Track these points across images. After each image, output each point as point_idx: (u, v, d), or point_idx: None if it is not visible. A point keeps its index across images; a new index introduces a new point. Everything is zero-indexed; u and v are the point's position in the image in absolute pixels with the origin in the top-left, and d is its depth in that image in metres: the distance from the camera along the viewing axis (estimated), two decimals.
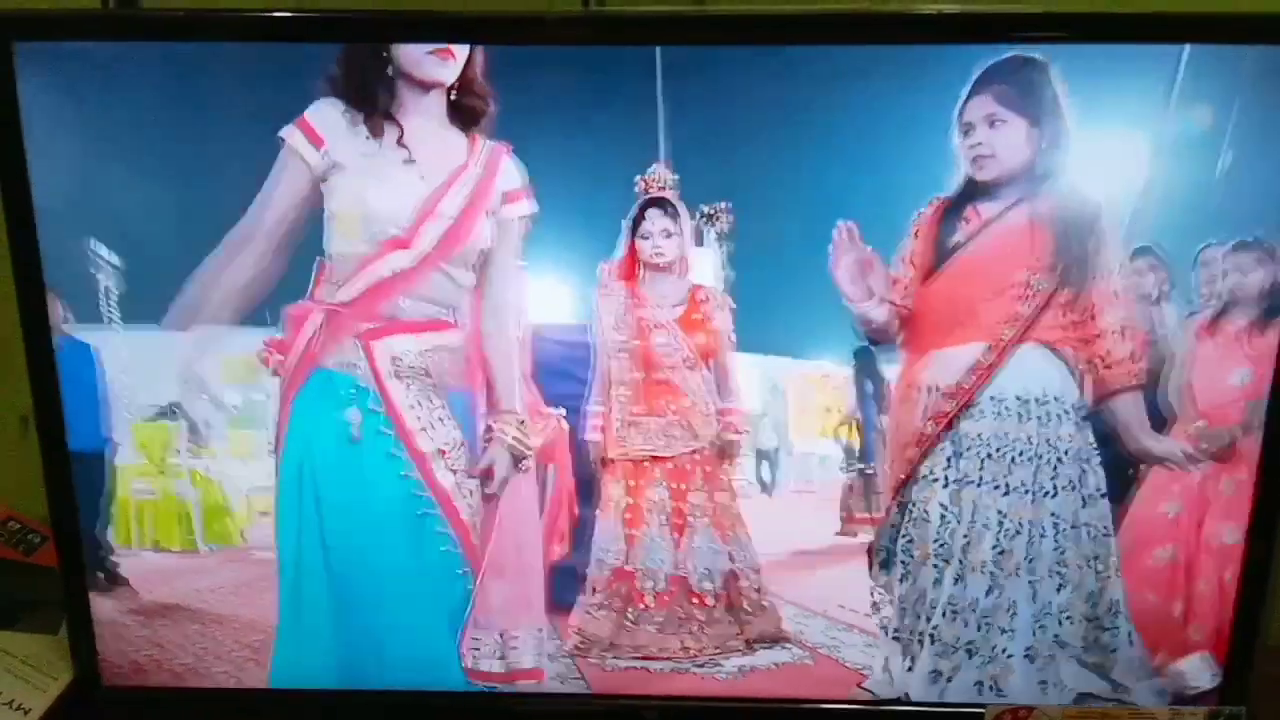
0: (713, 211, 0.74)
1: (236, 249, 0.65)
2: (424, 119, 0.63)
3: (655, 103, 0.70)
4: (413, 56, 0.64)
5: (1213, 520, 0.68)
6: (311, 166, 0.62)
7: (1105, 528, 0.62)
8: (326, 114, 0.63)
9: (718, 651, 0.83)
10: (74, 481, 0.81)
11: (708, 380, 0.82)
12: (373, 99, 0.61)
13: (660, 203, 0.77)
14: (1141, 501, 0.67)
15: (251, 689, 0.88)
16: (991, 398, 0.59)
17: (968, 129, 0.56)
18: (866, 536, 0.74)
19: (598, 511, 0.83)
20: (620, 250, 0.79)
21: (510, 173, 0.65)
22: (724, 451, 0.82)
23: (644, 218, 0.77)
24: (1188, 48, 0.67)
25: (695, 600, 0.84)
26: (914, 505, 0.61)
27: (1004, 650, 0.61)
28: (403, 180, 0.60)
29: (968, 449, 0.60)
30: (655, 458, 0.82)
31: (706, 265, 0.77)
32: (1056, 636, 0.65)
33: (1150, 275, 0.66)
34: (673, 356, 0.81)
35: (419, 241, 0.61)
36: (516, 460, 0.77)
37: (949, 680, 0.68)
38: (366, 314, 0.64)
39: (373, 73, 0.59)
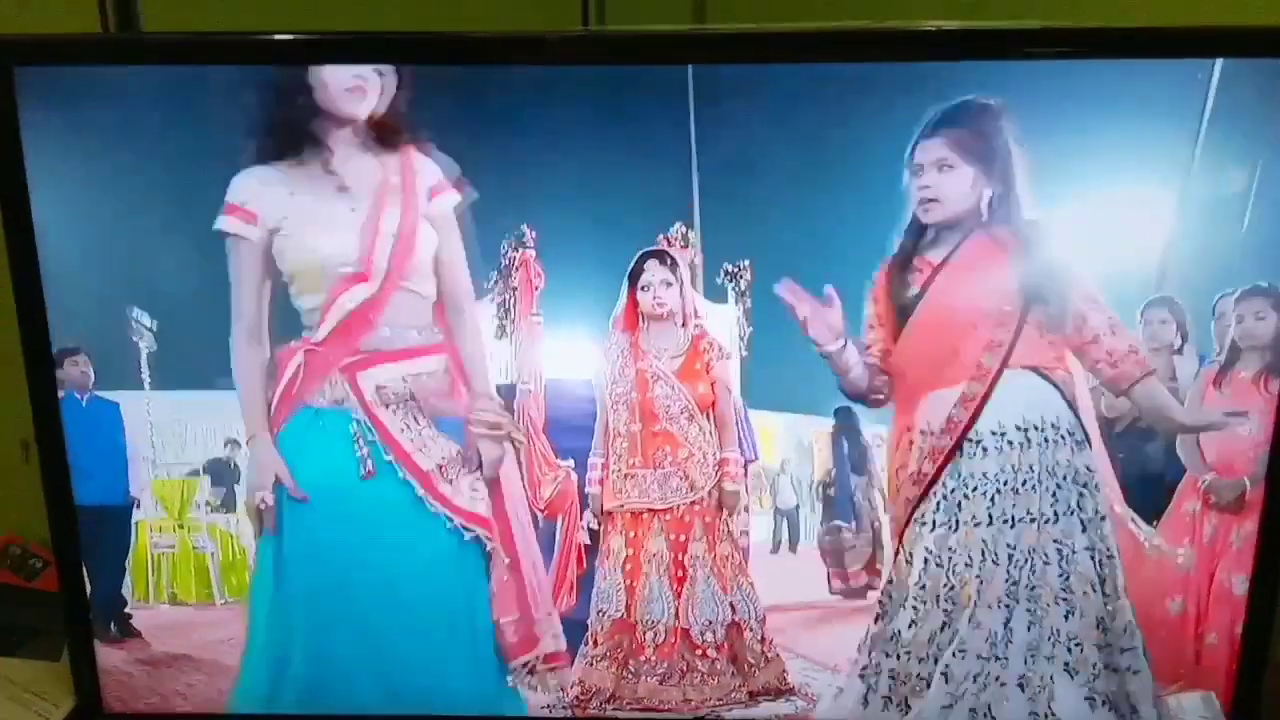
0: (735, 269, 0.76)
1: (244, 340, 0.68)
2: (346, 150, 0.64)
3: (688, 162, 0.71)
4: (331, 94, 0.64)
5: (1224, 570, 0.70)
6: (256, 242, 0.63)
7: (1108, 549, 0.63)
8: (246, 186, 0.64)
9: (720, 703, 0.83)
10: (94, 535, 0.82)
11: (706, 430, 0.82)
12: (295, 144, 0.62)
13: (659, 254, 0.78)
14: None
15: (252, 715, 0.87)
16: (992, 432, 0.60)
17: (917, 170, 0.58)
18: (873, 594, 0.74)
19: (599, 563, 0.84)
20: (621, 303, 0.80)
21: (428, 169, 0.65)
22: (723, 502, 0.82)
23: (643, 269, 0.78)
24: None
25: (698, 651, 0.84)
26: (917, 548, 0.63)
27: (999, 679, 0.62)
28: (339, 217, 0.61)
29: (971, 487, 0.61)
30: (653, 510, 0.83)
31: (727, 322, 0.78)
32: (1067, 665, 0.65)
33: (1171, 325, 0.69)
34: (671, 408, 0.82)
35: (375, 269, 0.61)
36: (502, 441, 0.76)
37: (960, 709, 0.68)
38: (346, 348, 0.65)
39: (292, 113, 0.61)
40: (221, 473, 0.80)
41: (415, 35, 0.76)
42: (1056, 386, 0.61)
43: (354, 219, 0.62)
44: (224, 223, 0.65)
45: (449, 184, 0.67)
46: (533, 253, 0.77)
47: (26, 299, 0.80)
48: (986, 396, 0.59)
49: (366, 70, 0.62)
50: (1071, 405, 0.61)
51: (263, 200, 0.61)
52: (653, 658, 0.84)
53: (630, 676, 0.84)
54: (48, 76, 0.75)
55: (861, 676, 0.68)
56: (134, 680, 0.87)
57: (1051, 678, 0.61)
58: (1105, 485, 0.61)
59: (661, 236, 0.78)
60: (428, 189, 0.64)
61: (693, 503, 0.83)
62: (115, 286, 0.78)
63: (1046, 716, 0.63)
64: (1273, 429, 0.70)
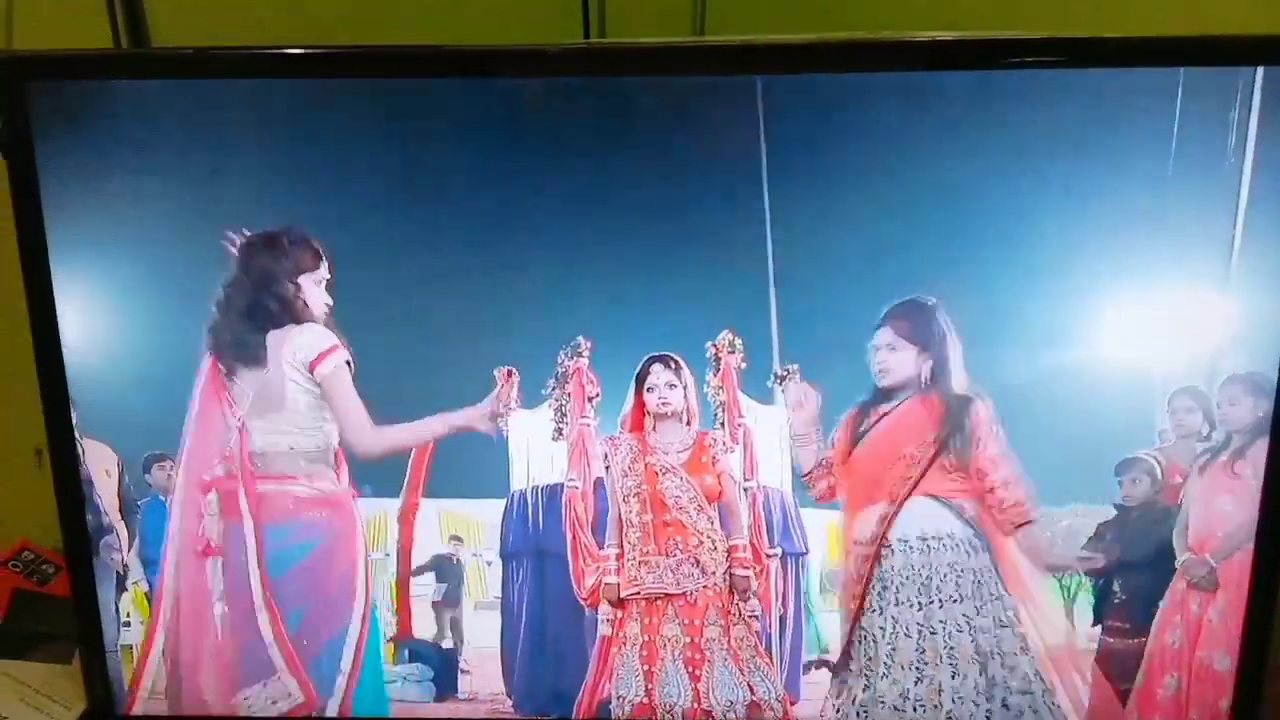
0: (784, 373, 0.81)
1: None
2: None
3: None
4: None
5: (1205, 647, 0.82)
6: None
7: (1001, 620, 0.80)
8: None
9: None
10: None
11: (714, 520, 0.86)
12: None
13: (663, 359, 0.83)
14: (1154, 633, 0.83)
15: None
16: (899, 539, 0.79)
17: (875, 350, 0.77)
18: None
19: (617, 650, 0.88)
20: (628, 404, 0.85)
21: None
22: (734, 586, 0.86)
23: (649, 372, 0.84)
24: None
25: None
26: (864, 630, 0.81)
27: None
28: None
29: (890, 581, 0.79)
30: (668, 595, 0.87)
31: (776, 423, 0.83)
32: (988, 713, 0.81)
33: (1197, 414, 0.79)
34: (681, 499, 0.86)
35: None
36: None
37: None
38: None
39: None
40: None
41: (428, 49, 0.77)
42: (951, 508, 0.78)
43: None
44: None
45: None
46: (586, 362, 0.83)
47: (38, 307, 0.82)
48: (898, 510, 0.78)
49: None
50: (969, 523, 0.79)
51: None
52: None
53: None
54: (61, 92, 0.77)
55: None
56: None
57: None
58: (1006, 576, 0.78)
59: (709, 344, 0.82)
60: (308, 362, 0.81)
61: (704, 587, 0.86)
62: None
63: None
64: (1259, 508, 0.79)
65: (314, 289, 0.81)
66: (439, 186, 0.79)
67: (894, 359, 0.76)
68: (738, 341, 0.81)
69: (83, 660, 0.91)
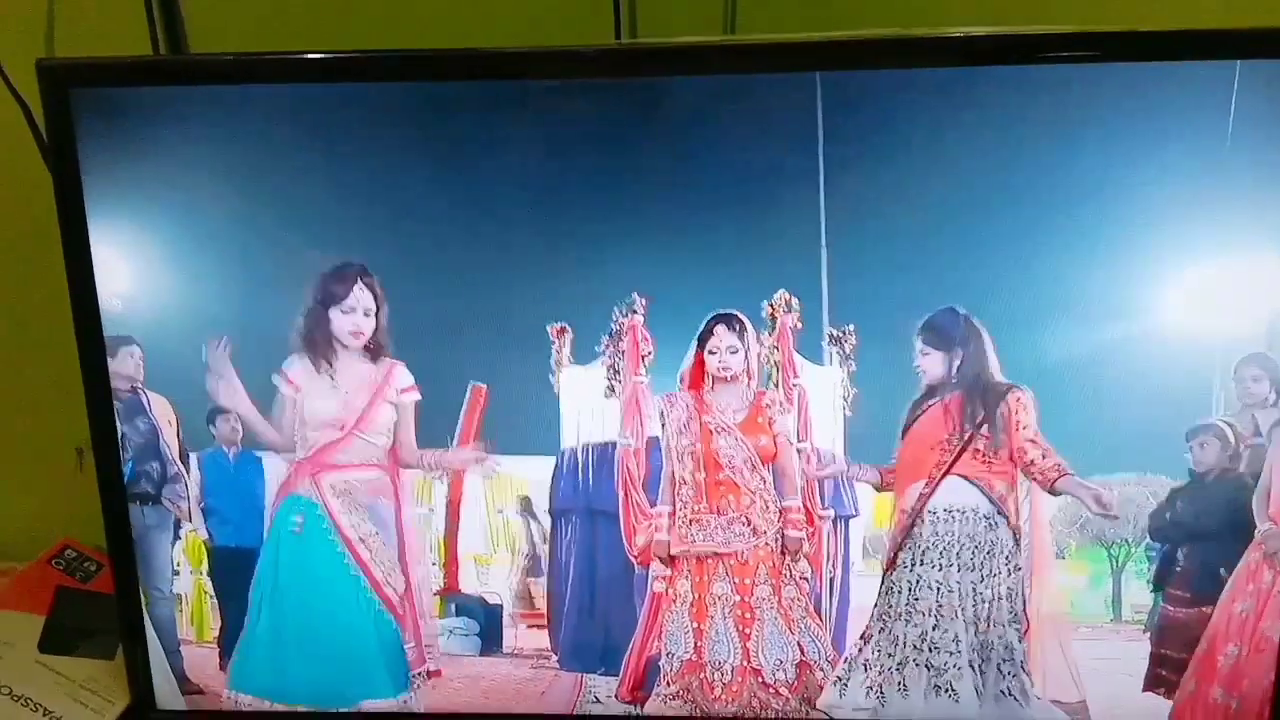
0: (840, 334, 0.82)
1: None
2: (347, 358, 0.86)
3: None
4: (340, 328, 0.85)
5: (1269, 619, 0.83)
6: (291, 395, 0.86)
7: (1009, 590, 0.85)
8: (296, 366, 0.86)
9: None
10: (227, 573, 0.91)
11: (768, 480, 0.86)
12: (319, 351, 0.86)
13: (726, 319, 0.83)
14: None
15: (302, 711, 0.91)
16: (931, 510, 0.85)
17: (916, 356, 0.82)
18: None
19: (667, 608, 0.88)
20: (689, 362, 0.85)
21: (403, 375, 0.86)
22: (786, 547, 0.86)
23: (712, 333, 0.84)
24: None
25: (770, 690, 0.87)
26: (893, 583, 0.87)
27: (955, 665, 0.86)
28: (333, 394, 0.86)
29: (919, 545, 0.86)
30: (718, 554, 0.87)
31: (829, 384, 0.84)
32: (971, 662, 0.87)
33: (1264, 381, 0.80)
34: (735, 459, 0.86)
35: (345, 424, 0.87)
36: None
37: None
38: (317, 463, 0.87)
39: (319, 334, 0.85)
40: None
41: (462, 52, 0.78)
42: (976, 485, 0.84)
43: (342, 395, 0.86)
44: (279, 381, 0.86)
45: (413, 388, 0.86)
46: (641, 319, 0.83)
47: (82, 314, 0.82)
48: (934, 491, 0.85)
49: (360, 318, 0.85)
50: (992, 500, 0.84)
51: (301, 377, 0.86)
52: (722, 697, 0.88)
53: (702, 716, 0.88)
54: (102, 99, 0.78)
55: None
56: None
57: (958, 667, 0.86)
58: (1025, 547, 0.85)
59: (765, 303, 0.82)
60: (399, 389, 0.86)
61: (755, 547, 0.86)
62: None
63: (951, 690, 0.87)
64: None
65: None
66: (486, 163, 0.80)
67: (927, 363, 0.82)
68: (794, 301, 0.82)
69: (126, 656, 0.92)
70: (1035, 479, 0.82)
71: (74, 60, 0.79)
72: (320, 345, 0.85)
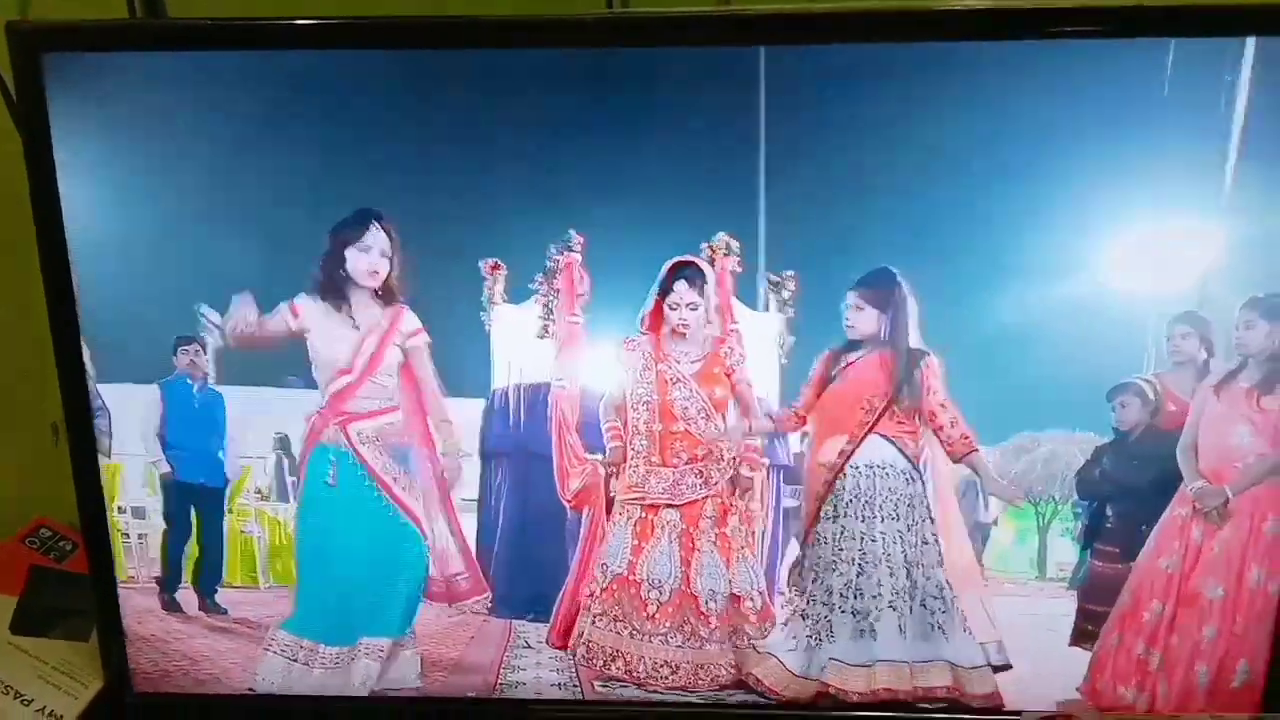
0: (779, 279, 0.82)
1: None
2: (359, 299, 0.86)
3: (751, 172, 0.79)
4: (358, 270, 0.84)
5: (1200, 575, 0.86)
6: (289, 325, 0.86)
7: (925, 538, 0.89)
8: (306, 302, 0.86)
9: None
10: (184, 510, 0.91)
11: (722, 428, 0.87)
12: (334, 290, 0.85)
13: (689, 275, 0.83)
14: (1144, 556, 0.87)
15: (280, 694, 0.91)
16: (854, 466, 0.88)
17: (845, 308, 0.84)
18: None
19: (609, 521, 0.88)
20: (648, 306, 0.85)
21: (410, 320, 0.86)
22: (737, 483, 0.88)
23: (672, 289, 0.84)
24: None
25: (701, 618, 0.88)
26: (818, 535, 0.89)
27: (877, 610, 0.89)
28: (344, 336, 0.87)
29: (843, 498, 0.89)
30: (671, 504, 0.88)
31: (768, 330, 0.85)
32: (891, 604, 0.90)
33: (1194, 339, 0.82)
34: (690, 409, 0.87)
35: (355, 367, 0.87)
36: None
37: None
38: (336, 410, 0.88)
39: (337, 273, 0.84)
40: (274, 464, 0.91)
41: (445, 20, 0.79)
42: (894, 444, 0.87)
43: (353, 340, 0.87)
44: (283, 310, 0.86)
45: (424, 330, 0.86)
46: (578, 257, 0.82)
47: (54, 284, 0.82)
48: (857, 447, 0.88)
49: (378, 257, 0.84)
50: (908, 458, 0.88)
51: (310, 313, 0.86)
52: (657, 616, 0.88)
53: (632, 636, 0.88)
54: (78, 63, 0.77)
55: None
56: (165, 645, 0.92)
57: (879, 609, 0.89)
58: (933, 502, 0.89)
59: (705, 245, 0.81)
60: (406, 333, 0.86)
61: (707, 497, 0.88)
62: (181, 280, 0.84)
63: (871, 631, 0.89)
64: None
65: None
66: (437, 96, 0.79)
67: (859, 318, 0.84)
68: (734, 244, 0.82)
69: (100, 637, 0.92)
70: (944, 445, 0.86)
71: (45, 23, 0.78)
72: (337, 285, 0.84)
